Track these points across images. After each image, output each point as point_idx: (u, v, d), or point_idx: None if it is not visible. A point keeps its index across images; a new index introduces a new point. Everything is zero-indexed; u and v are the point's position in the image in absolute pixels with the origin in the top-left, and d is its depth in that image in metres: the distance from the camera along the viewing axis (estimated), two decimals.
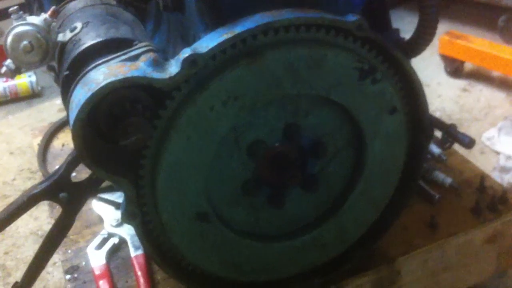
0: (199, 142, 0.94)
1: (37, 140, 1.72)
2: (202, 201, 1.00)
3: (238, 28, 0.89)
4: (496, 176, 2.14)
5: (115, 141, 0.91)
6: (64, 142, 1.70)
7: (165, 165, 0.94)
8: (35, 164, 1.78)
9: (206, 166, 0.97)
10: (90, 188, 1.02)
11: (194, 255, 1.05)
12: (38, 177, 1.77)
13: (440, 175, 1.37)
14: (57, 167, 1.58)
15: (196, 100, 0.91)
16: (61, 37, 1.03)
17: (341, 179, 1.10)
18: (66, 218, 1.01)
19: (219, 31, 0.91)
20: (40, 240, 1.83)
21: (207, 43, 0.89)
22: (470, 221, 1.30)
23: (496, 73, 2.79)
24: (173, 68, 0.89)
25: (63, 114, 2.34)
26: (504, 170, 2.24)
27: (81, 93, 0.87)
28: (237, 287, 1.13)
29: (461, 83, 2.80)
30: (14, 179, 2.47)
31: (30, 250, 2.19)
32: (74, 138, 0.87)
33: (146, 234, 1.00)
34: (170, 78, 0.88)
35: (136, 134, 0.90)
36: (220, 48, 0.89)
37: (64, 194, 0.99)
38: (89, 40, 0.98)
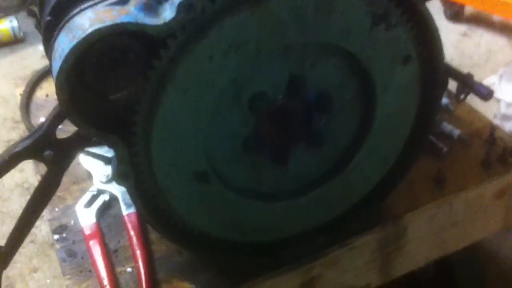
0: (197, 95, 0.86)
1: (20, 90, 1.62)
2: (200, 159, 0.92)
3: None
4: (497, 124, 2.08)
5: (104, 95, 0.83)
6: (48, 92, 1.59)
7: (160, 121, 0.85)
8: (18, 113, 1.68)
9: (205, 121, 0.89)
10: (78, 145, 0.94)
11: (192, 217, 0.98)
12: (23, 127, 1.68)
13: (448, 127, 1.30)
14: (41, 119, 1.52)
15: (193, 49, 0.81)
16: None
17: (348, 134, 1.03)
18: (52, 177, 0.93)
19: None
20: (27, 193, 1.75)
21: None
22: (480, 175, 1.24)
23: (497, 17, 2.70)
24: (167, 12, 0.79)
25: (47, 61, 2.24)
26: (505, 118, 2.18)
27: (65, 41, 0.77)
28: (237, 248, 1.06)
29: (461, 27, 2.71)
30: None
31: (16, 204, 2.13)
32: (58, 91, 0.78)
33: (140, 196, 0.92)
34: (165, 24, 0.78)
35: (128, 87, 0.82)
36: None
37: (49, 152, 0.90)
38: None
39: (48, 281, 1.87)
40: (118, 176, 0.88)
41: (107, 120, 0.85)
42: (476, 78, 2.50)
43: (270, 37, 0.85)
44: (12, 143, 1.69)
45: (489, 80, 2.34)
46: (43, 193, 0.94)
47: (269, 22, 0.84)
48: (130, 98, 0.83)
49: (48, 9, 0.89)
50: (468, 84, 1.06)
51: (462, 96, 1.09)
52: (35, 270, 1.91)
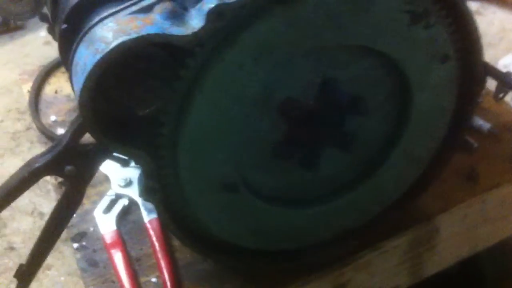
0: (227, 105, 0.80)
1: (27, 86, 1.57)
2: (229, 170, 0.87)
3: None
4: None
5: (129, 109, 0.78)
6: (57, 88, 1.54)
7: (188, 133, 0.80)
8: (23, 103, 1.63)
9: (234, 131, 0.84)
10: (101, 156, 0.89)
11: (221, 227, 0.94)
12: (28, 118, 1.63)
13: (478, 120, 1.25)
14: (52, 118, 1.47)
15: (223, 57, 0.76)
16: None
17: (381, 136, 0.98)
18: (74, 193, 0.88)
19: None
20: (35, 187, 1.71)
21: None
22: None
23: None
24: (195, 21, 0.73)
25: (49, 48, 2.15)
26: None
27: (87, 55, 0.72)
28: (266, 256, 1.02)
29: (473, 5, 2.62)
30: (1, 121, 2.32)
31: (25, 198, 2.07)
32: (82, 109, 0.73)
33: (167, 209, 0.88)
34: (193, 34, 0.72)
35: (154, 100, 0.77)
36: None
37: (71, 167, 0.86)
38: None
39: (62, 278, 1.83)
40: (146, 192, 0.83)
41: (132, 133, 0.80)
42: (492, 58, 2.44)
43: (303, 40, 0.80)
44: (18, 135, 1.65)
45: (505, 60, 2.26)
46: (65, 210, 0.89)
47: (303, 24, 0.78)
48: (157, 110, 0.78)
49: (63, 15, 0.84)
50: (507, 82, 1.01)
51: (501, 95, 1.04)
52: (48, 268, 1.87)
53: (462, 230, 1.19)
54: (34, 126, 1.50)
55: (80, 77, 0.72)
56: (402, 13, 0.83)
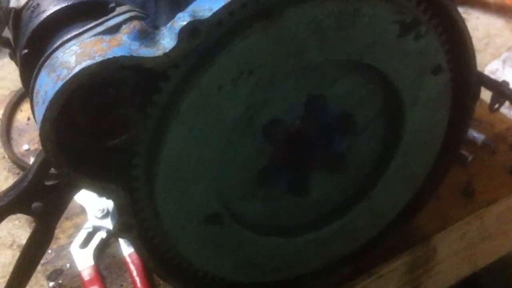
0: (206, 131, 0.74)
1: None
2: (211, 200, 0.80)
3: None
4: (504, 112, 1.99)
5: (99, 139, 0.71)
6: (30, 115, 1.46)
7: (164, 163, 0.74)
8: None
9: (215, 158, 0.77)
10: (71, 190, 0.82)
11: (206, 262, 0.87)
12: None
13: (471, 132, 1.20)
14: (24, 147, 1.39)
15: (199, 79, 0.69)
16: (14, 2, 0.80)
17: (373, 155, 0.92)
18: (43, 232, 0.81)
19: None
20: (14, 218, 1.61)
21: (209, 3, 0.67)
22: (509, 184, 1.14)
23: None
24: (166, 40, 0.67)
25: None
26: None
27: (48, 83, 0.65)
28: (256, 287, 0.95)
29: None
30: None
31: (4, 230, 1.98)
32: (44, 143, 0.66)
33: (145, 246, 0.80)
34: (165, 54, 0.66)
35: (128, 130, 0.70)
36: (228, 10, 0.67)
37: (38, 203, 0.78)
38: (51, 5, 0.76)
39: None
40: (121, 229, 0.76)
41: (102, 166, 0.73)
42: (478, 64, 2.39)
43: (286, 58, 0.74)
44: None
45: (492, 66, 2.22)
46: (35, 250, 0.82)
47: (285, 41, 0.72)
48: (129, 139, 0.71)
49: (24, 39, 0.77)
50: (503, 92, 0.95)
51: (496, 106, 0.98)
52: None
53: (461, 249, 1.13)
54: None
55: (41, 108, 0.65)
56: (390, 24, 0.77)
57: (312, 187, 0.89)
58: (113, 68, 0.65)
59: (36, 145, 1.38)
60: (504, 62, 2.22)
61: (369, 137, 0.90)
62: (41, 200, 0.79)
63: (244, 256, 0.89)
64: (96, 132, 0.69)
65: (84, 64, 0.63)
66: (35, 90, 0.68)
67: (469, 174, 1.15)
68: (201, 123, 0.73)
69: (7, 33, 0.88)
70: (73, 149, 0.70)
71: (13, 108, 1.48)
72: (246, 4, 0.68)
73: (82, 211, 1.17)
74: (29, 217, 1.20)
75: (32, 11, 0.77)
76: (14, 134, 1.44)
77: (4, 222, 1.31)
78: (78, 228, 1.15)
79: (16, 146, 1.40)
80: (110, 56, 0.64)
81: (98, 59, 0.63)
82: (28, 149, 1.38)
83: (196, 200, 0.79)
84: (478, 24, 2.54)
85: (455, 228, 1.08)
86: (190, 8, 0.68)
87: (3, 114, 1.47)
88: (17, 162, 1.34)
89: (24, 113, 1.48)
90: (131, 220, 0.76)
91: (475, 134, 1.20)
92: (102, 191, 0.73)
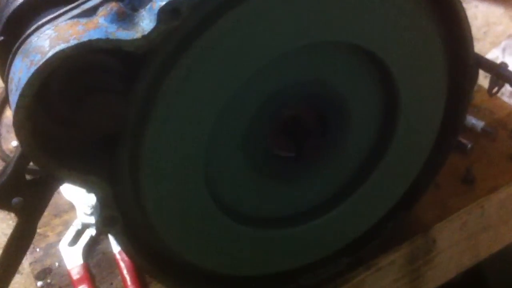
0: (192, 117, 0.70)
1: None
2: (201, 193, 0.77)
3: None
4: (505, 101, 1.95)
5: (77, 128, 0.67)
6: None
7: (148, 151, 0.70)
8: None
9: (203, 145, 0.73)
10: (52, 184, 0.78)
11: (196, 256, 0.84)
12: None
13: (470, 119, 1.16)
14: (13, 143, 1.36)
15: (181, 63, 0.66)
16: None
17: (367, 143, 0.88)
18: (25, 227, 0.77)
19: None
20: (8, 218, 1.58)
21: None
22: (510, 171, 1.10)
23: None
24: (145, 22, 0.63)
25: None
26: None
27: (22, 68, 0.62)
28: (252, 281, 0.92)
29: None
30: None
31: None
32: (18, 131, 0.63)
33: (131, 240, 0.77)
34: (144, 37, 0.63)
35: (107, 117, 0.67)
36: None
37: (18, 199, 0.75)
38: None
39: None
40: (104, 223, 0.73)
41: (82, 157, 0.70)
42: (478, 53, 2.35)
43: (281, 38, 0.70)
44: None
45: (492, 55, 2.19)
46: (17, 247, 0.78)
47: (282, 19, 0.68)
48: (110, 129, 0.68)
49: (0, 26, 0.74)
50: (502, 75, 0.92)
51: (495, 89, 0.95)
52: None
53: (461, 239, 1.09)
54: None
55: (14, 95, 0.62)
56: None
57: (307, 176, 0.86)
58: (89, 52, 0.61)
59: None
60: (504, 50, 2.18)
61: (364, 125, 0.86)
62: (22, 194, 0.75)
63: (239, 249, 0.85)
64: (76, 120, 0.65)
65: (58, 48, 0.60)
66: (9, 78, 0.65)
67: (469, 162, 1.11)
68: (184, 111, 0.69)
69: None
70: (50, 139, 0.67)
71: (1, 105, 1.45)
72: None
73: (71, 207, 1.14)
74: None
75: None
76: (3, 130, 1.41)
77: None
78: (67, 225, 1.11)
79: (5, 142, 1.37)
80: (85, 39, 0.60)
81: (73, 42, 0.60)
82: (17, 146, 1.35)
83: (185, 189, 0.75)
84: (477, 13, 2.50)
85: (455, 217, 1.04)
86: None
87: None
88: (6, 159, 1.31)
89: None
90: (114, 213, 0.73)
91: (474, 121, 1.16)
92: (82, 184, 0.70)
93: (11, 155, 1.32)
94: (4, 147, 1.35)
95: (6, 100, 1.46)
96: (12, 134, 1.39)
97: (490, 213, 1.09)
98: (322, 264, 0.96)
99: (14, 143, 1.36)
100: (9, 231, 1.26)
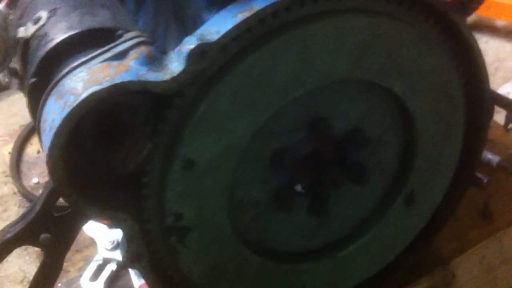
0: (213, 159, 0.72)
1: (8, 148, 1.48)
2: (226, 228, 0.78)
3: (258, 3, 0.67)
4: None
5: (109, 167, 0.69)
6: (39, 148, 1.46)
7: (174, 197, 0.72)
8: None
9: (228, 185, 0.75)
10: (79, 221, 0.80)
11: None
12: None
13: (486, 154, 1.17)
14: (34, 180, 1.38)
15: (203, 105, 0.68)
16: (22, 32, 0.80)
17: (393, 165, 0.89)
18: (52, 263, 0.79)
19: (231, 9, 0.68)
20: (25, 254, 1.60)
21: (217, 27, 0.66)
22: None
23: (500, 22, 2.58)
24: (174, 64, 0.66)
25: None
26: None
27: (55, 110, 0.64)
28: None
29: None
30: None
31: (15, 266, 1.97)
32: (52, 170, 0.65)
33: (156, 276, 0.78)
34: (173, 78, 0.65)
35: (135, 155, 0.69)
36: (237, 33, 0.66)
37: (46, 235, 0.77)
38: (58, 33, 0.76)
39: None
40: (131, 259, 0.74)
41: (111, 195, 0.72)
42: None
43: (305, 77, 0.72)
44: (5, 199, 1.55)
45: (503, 89, 2.21)
46: (43, 283, 0.80)
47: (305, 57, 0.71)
48: (138, 166, 0.70)
49: (32, 68, 0.77)
50: None
51: (511, 125, 0.96)
52: None
53: (480, 272, 1.09)
54: None
55: (48, 135, 0.64)
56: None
57: (331, 207, 0.87)
58: (121, 93, 0.64)
59: (46, 178, 1.37)
60: None
61: (385, 151, 0.88)
62: (49, 231, 0.77)
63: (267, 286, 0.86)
64: (106, 158, 0.68)
65: (91, 89, 0.62)
66: (42, 118, 0.67)
67: (486, 195, 1.12)
68: (208, 152, 0.71)
69: (16, 64, 0.87)
70: (81, 177, 0.69)
71: (23, 142, 1.49)
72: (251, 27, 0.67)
73: (92, 243, 1.16)
74: (39, 252, 1.19)
75: (40, 40, 0.77)
76: (24, 167, 1.44)
77: (14, 258, 1.30)
78: (88, 260, 1.13)
79: (26, 179, 1.40)
80: (118, 81, 0.63)
81: (106, 84, 0.62)
82: (38, 183, 1.37)
83: (214, 228, 0.77)
84: (487, 49, 2.53)
85: (474, 251, 1.05)
86: (198, 32, 0.67)
87: (13, 149, 1.47)
88: (27, 196, 1.34)
89: (34, 147, 1.48)
90: (140, 249, 0.74)
91: (490, 156, 1.17)
92: (110, 220, 0.71)
93: (32, 192, 1.35)
94: (26, 184, 1.38)
95: (27, 139, 1.50)
96: (33, 171, 1.42)
97: (508, 246, 1.09)
98: None
99: (35, 180, 1.38)
100: (26, 267, 1.28)
